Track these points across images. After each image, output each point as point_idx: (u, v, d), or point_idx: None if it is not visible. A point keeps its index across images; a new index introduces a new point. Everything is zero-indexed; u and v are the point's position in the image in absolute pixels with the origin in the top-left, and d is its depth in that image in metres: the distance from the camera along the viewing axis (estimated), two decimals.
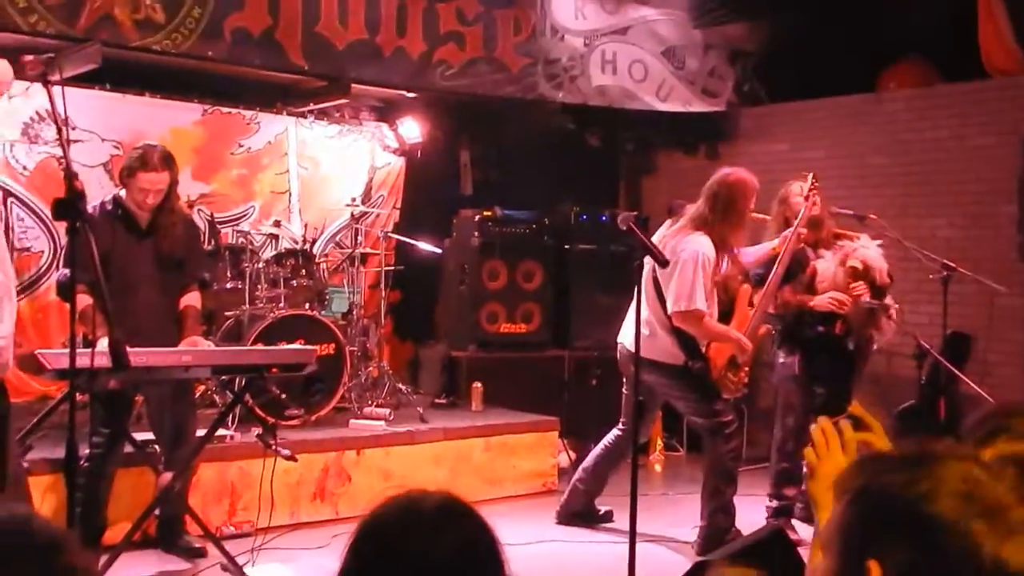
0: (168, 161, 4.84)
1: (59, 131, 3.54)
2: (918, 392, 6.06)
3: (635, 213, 5.91)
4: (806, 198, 5.44)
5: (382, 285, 7.13)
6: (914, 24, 7.32)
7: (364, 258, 7.22)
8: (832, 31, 7.38)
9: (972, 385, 5.50)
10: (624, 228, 4.55)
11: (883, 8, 7.27)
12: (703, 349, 5.26)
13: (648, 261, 4.83)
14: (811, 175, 5.51)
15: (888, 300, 5.52)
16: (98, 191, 5.79)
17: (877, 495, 1.30)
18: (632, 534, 4.31)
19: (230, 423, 5.58)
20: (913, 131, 7.38)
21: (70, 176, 3.37)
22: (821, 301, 5.42)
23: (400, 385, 6.76)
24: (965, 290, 6.28)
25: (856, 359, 5.64)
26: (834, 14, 7.37)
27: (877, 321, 5.45)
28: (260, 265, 6.49)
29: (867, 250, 5.50)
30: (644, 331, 5.07)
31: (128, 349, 3.53)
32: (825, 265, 5.55)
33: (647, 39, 8.14)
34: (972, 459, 1.33)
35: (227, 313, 6.43)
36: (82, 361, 3.52)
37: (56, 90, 3.51)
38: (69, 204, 3.34)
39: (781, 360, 5.62)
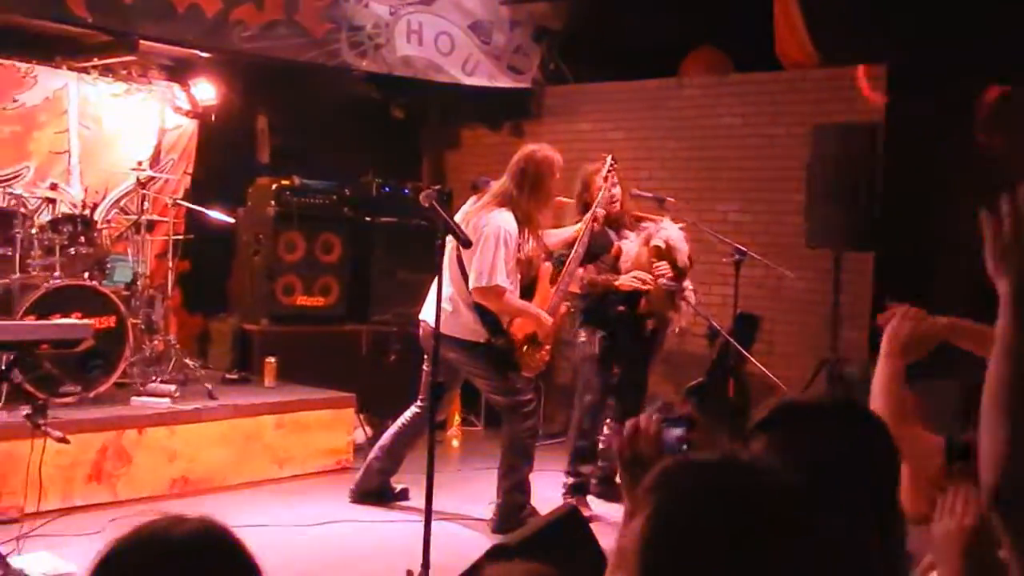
0: None
1: None
2: (708, 370, 6.24)
3: (437, 188, 5.81)
4: (604, 179, 5.50)
5: (170, 254, 6.73)
6: (713, 12, 7.52)
7: (151, 225, 6.80)
8: (637, 15, 7.48)
9: (757, 364, 5.69)
10: (426, 205, 4.45)
11: None
12: (505, 326, 5.23)
13: (450, 238, 4.76)
14: (609, 157, 5.57)
15: (687, 283, 5.65)
16: None
17: (674, 511, 1.25)
18: (428, 513, 4.23)
19: None
20: (708, 118, 7.59)
21: None
22: (625, 280, 5.49)
23: (187, 360, 6.42)
24: (754, 273, 6.52)
25: (654, 340, 5.76)
26: None
27: (676, 302, 5.56)
28: (34, 231, 6.01)
29: (669, 231, 5.60)
30: (447, 307, 5.01)
31: None
32: (629, 246, 5.63)
33: (454, 11, 8.04)
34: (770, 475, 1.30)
35: None
36: None
37: None
38: None
39: (582, 339, 5.65)
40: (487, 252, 4.96)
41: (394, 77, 7.88)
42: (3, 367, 5.02)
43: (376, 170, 7.93)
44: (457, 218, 5.07)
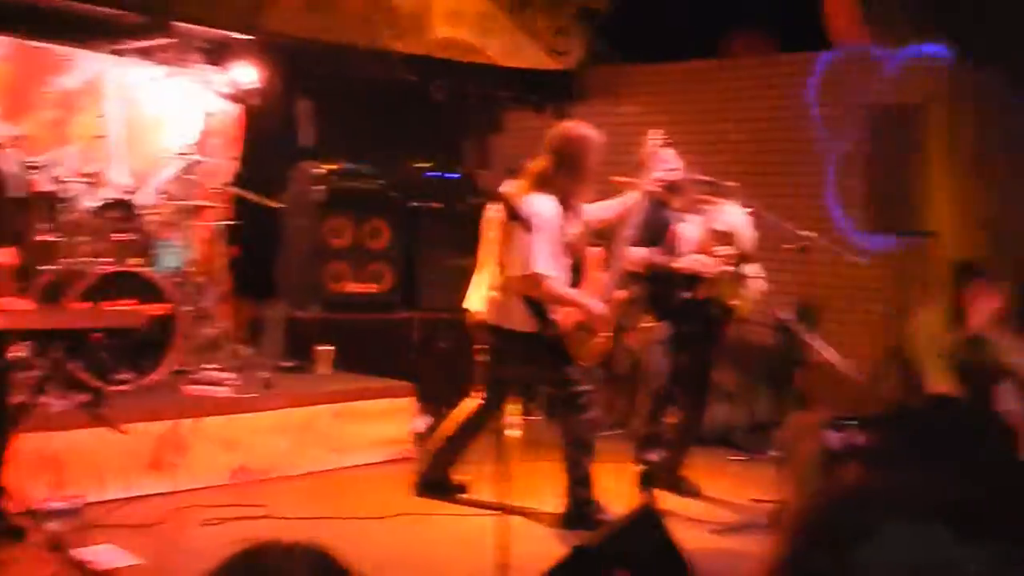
0: None
1: None
2: (770, 359, 6.12)
3: (501, 174, 5.68)
4: (653, 155, 5.36)
5: (218, 240, 6.61)
6: None
7: (198, 211, 6.70)
8: None
9: (829, 354, 5.55)
10: (491, 189, 4.31)
11: None
12: (554, 315, 5.06)
13: (493, 221, 4.63)
14: (656, 132, 5.45)
15: (753, 268, 5.52)
16: None
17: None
18: (500, 508, 4.11)
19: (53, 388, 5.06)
20: (760, 99, 7.45)
21: None
22: (686, 262, 5.36)
23: (240, 347, 6.31)
24: (810, 259, 6.36)
25: (718, 325, 5.63)
26: None
27: (740, 288, 5.43)
28: (79, 215, 5.91)
29: (732, 215, 5.47)
30: (495, 297, 4.90)
31: None
32: (689, 229, 5.50)
33: None
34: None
35: (41, 268, 5.82)
36: None
37: None
38: None
39: (645, 325, 5.53)
40: (525, 239, 4.81)
41: (434, 59, 7.75)
42: (59, 356, 4.92)
43: (420, 154, 7.79)
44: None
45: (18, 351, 5.28)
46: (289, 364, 6.56)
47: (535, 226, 4.71)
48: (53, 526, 4.36)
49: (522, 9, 8.00)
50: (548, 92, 8.35)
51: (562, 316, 5.06)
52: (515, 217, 4.29)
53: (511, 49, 7.99)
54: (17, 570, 4.18)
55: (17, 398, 4.48)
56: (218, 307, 6.59)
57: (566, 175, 4.98)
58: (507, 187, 5.01)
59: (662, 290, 5.47)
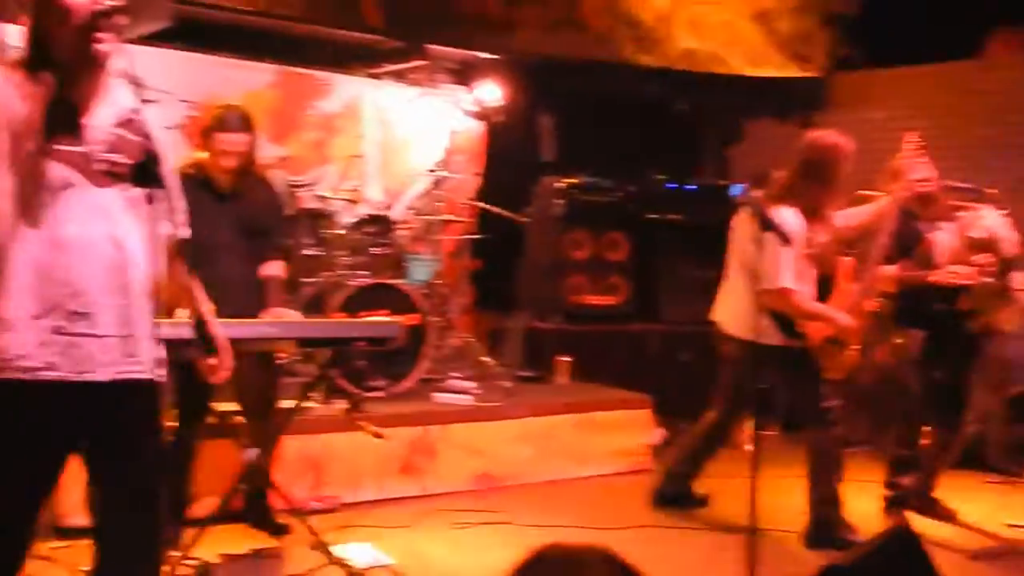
0: (247, 122, 4.63)
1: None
2: None
3: (754, 186, 5.58)
4: (906, 161, 5.13)
5: (463, 253, 6.89)
6: None
7: (445, 225, 6.99)
8: None
9: None
10: (744, 203, 4.27)
11: None
12: (802, 328, 4.95)
13: (738, 234, 4.52)
14: (911, 137, 5.20)
15: (1020, 277, 5.16)
16: (174, 153, 5.57)
17: None
18: (743, 524, 4.05)
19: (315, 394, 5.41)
20: (1022, 100, 6.99)
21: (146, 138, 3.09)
22: (940, 274, 5.10)
23: (484, 357, 6.54)
24: None
25: (978, 341, 5.31)
26: None
27: (1006, 299, 5.09)
28: (340, 231, 6.29)
29: (990, 220, 5.14)
30: (740, 309, 4.83)
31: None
32: (943, 238, 5.22)
33: (736, 0, 7.82)
34: None
35: (304, 280, 6.24)
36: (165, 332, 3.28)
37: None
38: (146, 169, 3.07)
39: (897, 340, 5.29)
40: (770, 253, 4.70)
41: (675, 71, 7.74)
42: (323, 363, 5.25)
43: (660, 166, 7.81)
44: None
45: (285, 358, 5.72)
46: (529, 374, 6.74)
47: (782, 238, 4.63)
48: (313, 524, 4.64)
49: (766, 16, 7.86)
50: (793, 100, 8.17)
51: (811, 329, 4.95)
52: (766, 228, 4.22)
53: (754, 57, 7.87)
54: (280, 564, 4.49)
55: (285, 402, 4.81)
56: (461, 318, 6.84)
57: (815, 184, 4.85)
58: (756, 197, 4.94)
59: (915, 302, 5.22)
